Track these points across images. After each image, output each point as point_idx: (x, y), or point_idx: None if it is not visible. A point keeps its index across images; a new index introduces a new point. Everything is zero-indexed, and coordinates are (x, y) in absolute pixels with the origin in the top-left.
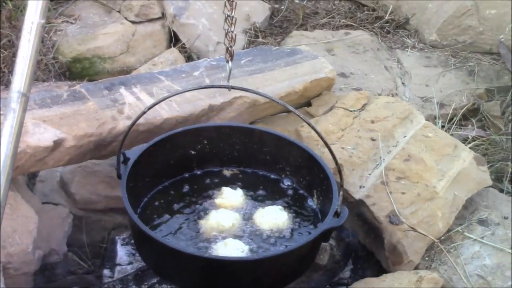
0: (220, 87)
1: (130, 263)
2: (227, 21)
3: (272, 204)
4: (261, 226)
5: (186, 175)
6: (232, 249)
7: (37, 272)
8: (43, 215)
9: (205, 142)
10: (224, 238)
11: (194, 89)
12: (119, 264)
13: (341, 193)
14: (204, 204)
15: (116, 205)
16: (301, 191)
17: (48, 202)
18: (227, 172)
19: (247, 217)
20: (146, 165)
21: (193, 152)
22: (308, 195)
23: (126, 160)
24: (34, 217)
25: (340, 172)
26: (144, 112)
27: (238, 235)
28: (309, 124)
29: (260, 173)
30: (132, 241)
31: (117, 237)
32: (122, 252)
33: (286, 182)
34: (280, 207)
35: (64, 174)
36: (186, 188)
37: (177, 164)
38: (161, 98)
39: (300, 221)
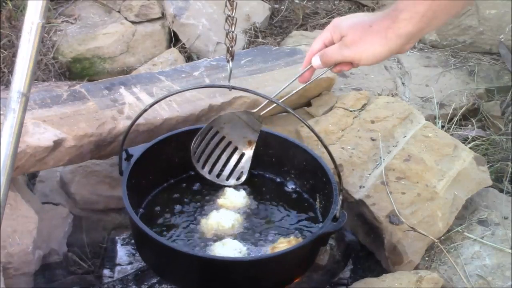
0: (221, 86)
1: (130, 263)
2: (227, 21)
3: (276, 206)
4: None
5: (192, 173)
6: (229, 249)
7: (37, 272)
8: (43, 215)
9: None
10: (223, 238)
11: (196, 88)
12: (119, 264)
13: (340, 197)
14: (207, 203)
15: (116, 205)
16: (304, 195)
17: (48, 202)
18: None
19: (249, 218)
20: (150, 163)
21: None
22: (311, 199)
23: (129, 157)
24: (34, 217)
25: (339, 175)
26: (145, 110)
27: (238, 235)
28: (308, 126)
29: (267, 175)
30: (132, 241)
31: (117, 237)
32: (122, 252)
33: (290, 186)
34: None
35: (64, 174)
36: (193, 186)
37: (183, 162)
38: (162, 96)
39: (302, 224)
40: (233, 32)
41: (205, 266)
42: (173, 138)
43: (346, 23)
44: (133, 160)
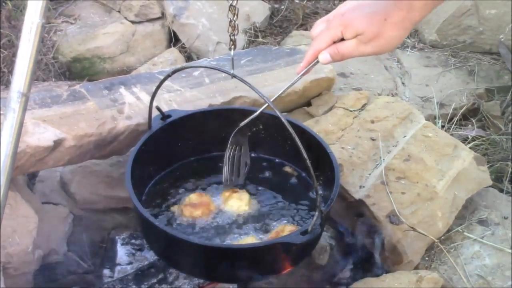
0: (223, 71)
1: (130, 263)
2: (230, 10)
3: (294, 209)
4: None
5: None
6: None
7: (37, 272)
8: (43, 215)
9: (261, 127)
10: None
11: (203, 67)
12: (119, 264)
13: (316, 213)
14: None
15: (116, 205)
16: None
17: (48, 202)
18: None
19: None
20: (192, 128)
21: (248, 134)
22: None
23: (165, 117)
24: (34, 217)
25: (317, 191)
26: (169, 75)
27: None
28: (292, 133)
29: (303, 174)
30: (132, 240)
31: (117, 237)
32: (122, 252)
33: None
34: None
35: (64, 174)
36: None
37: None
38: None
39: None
40: (235, 21)
41: (163, 239)
42: (222, 112)
43: (356, 17)
44: (170, 120)
